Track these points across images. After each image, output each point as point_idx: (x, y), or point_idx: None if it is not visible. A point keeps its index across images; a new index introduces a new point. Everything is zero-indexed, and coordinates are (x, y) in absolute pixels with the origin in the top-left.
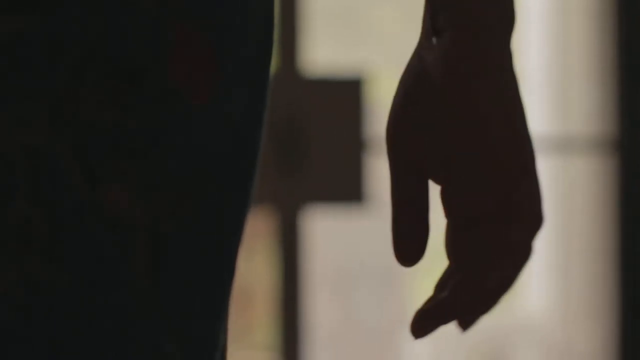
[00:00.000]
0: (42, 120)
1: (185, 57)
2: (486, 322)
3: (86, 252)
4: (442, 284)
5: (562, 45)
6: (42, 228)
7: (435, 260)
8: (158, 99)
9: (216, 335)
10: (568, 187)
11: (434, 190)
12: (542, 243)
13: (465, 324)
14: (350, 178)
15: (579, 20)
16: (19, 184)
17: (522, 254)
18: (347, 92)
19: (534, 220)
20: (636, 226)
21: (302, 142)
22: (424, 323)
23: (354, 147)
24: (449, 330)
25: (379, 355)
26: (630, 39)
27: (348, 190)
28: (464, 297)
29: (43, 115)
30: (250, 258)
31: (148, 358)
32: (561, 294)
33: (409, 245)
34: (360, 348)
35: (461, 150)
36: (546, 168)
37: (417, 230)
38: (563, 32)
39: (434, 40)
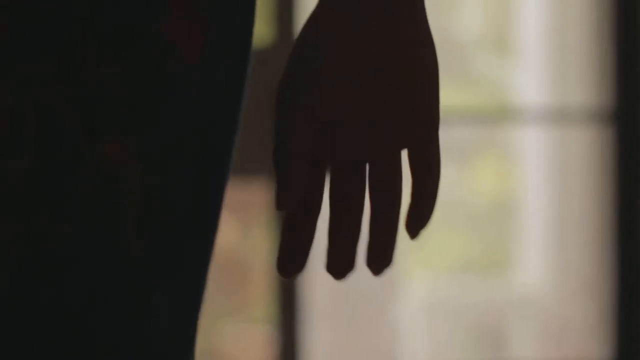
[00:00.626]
0: (48, 78)
1: (180, 19)
2: (482, 297)
3: (84, 203)
4: (301, 227)
5: (559, 15)
6: (43, 180)
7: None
8: (155, 58)
9: (201, 291)
10: (564, 159)
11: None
12: (538, 216)
13: (381, 266)
14: None
15: None
16: (26, 138)
17: (431, 202)
18: None
19: (439, 172)
20: (633, 198)
21: None
22: (337, 264)
23: None
24: (444, 305)
25: (374, 330)
26: (628, 9)
27: None
28: (381, 239)
29: (49, 73)
30: (247, 232)
31: (136, 308)
32: (557, 268)
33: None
34: (356, 322)
35: (383, 103)
36: (542, 139)
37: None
38: (560, 2)
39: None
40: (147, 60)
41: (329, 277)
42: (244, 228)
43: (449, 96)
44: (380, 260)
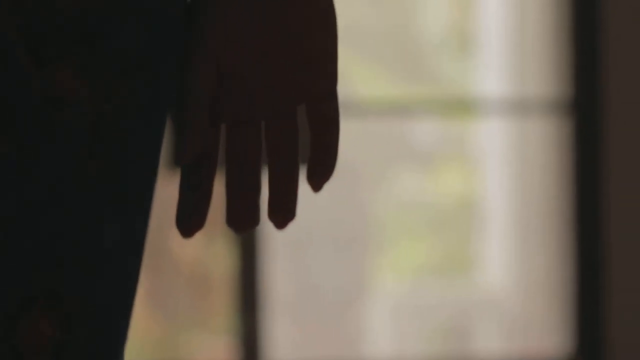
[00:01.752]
0: None
1: None
2: (447, 297)
3: (34, 128)
4: (200, 185)
5: (519, 7)
6: None
7: (395, 230)
8: None
9: (147, 223)
10: (525, 152)
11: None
12: (500, 214)
13: (283, 219)
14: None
15: None
16: None
17: (332, 154)
18: None
19: (337, 126)
20: (593, 189)
21: None
22: (237, 217)
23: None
24: (410, 305)
25: (340, 332)
26: (586, 1)
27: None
28: (280, 191)
29: None
30: (211, 244)
31: (86, 229)
32: (519, 267)
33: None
34: (320, 323)
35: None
36: (503, 132)
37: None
38: None
39: None
40: None
41: (294, 281)
42: (207, 240)
43: (412, 92)
44: (281, 212)
